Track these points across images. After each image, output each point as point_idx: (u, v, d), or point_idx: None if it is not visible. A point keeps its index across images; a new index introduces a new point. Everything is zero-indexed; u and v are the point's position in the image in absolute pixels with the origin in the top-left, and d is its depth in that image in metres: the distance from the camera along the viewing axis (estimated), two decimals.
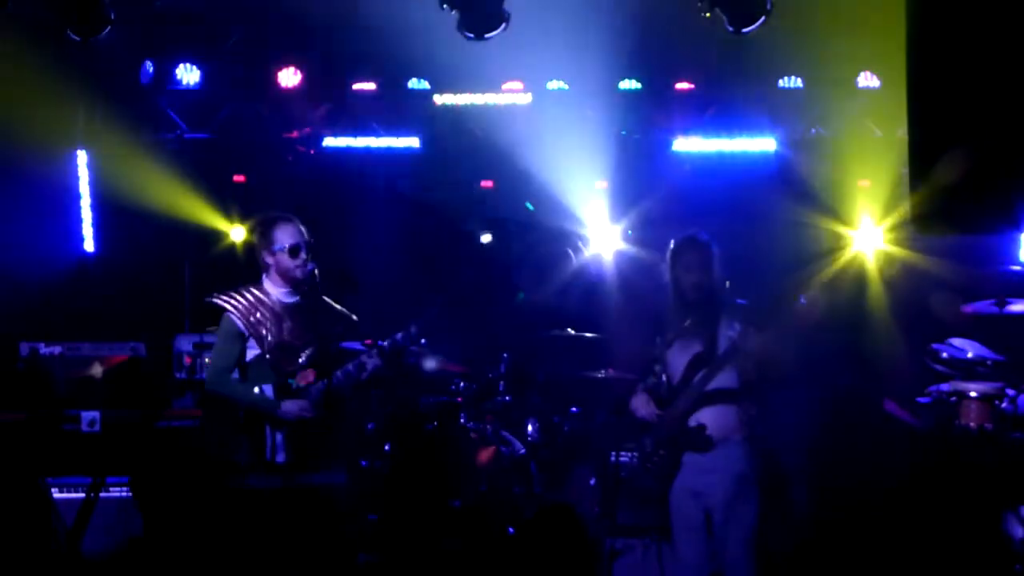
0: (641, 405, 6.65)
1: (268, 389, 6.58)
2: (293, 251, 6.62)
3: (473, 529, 8.33)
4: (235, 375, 6.66)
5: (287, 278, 6.67)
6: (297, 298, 6.70)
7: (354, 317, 6.84)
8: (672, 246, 6.67)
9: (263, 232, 6.72)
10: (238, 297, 6.66)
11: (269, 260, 6.68)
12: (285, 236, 6.66)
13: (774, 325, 6.36)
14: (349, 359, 6.72)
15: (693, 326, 6.53)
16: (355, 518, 8.06)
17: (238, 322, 6.61)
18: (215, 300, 6.69)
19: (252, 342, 6.63)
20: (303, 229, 6.71)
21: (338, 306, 6.80)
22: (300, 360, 6.60)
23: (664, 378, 6.65)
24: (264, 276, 6.73)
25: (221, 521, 6.51)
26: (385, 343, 6.72)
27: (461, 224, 11.58)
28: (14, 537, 3.86)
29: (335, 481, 6.69)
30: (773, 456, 7.90)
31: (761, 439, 6.57)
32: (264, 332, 6.59)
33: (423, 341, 6.87)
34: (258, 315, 6.61)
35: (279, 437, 6.54)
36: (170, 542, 4.25)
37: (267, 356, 6.59)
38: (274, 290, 6.68)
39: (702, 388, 6.44)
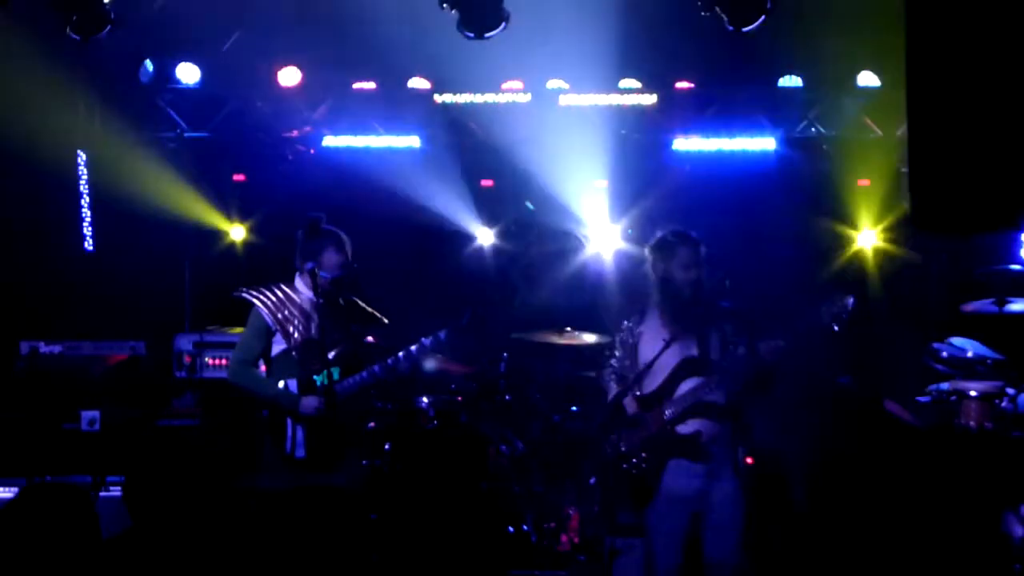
0: (629, 402, 6.46)
1: (292, 385, 6.65)
2: (335, 282, 6.69)
3: (474, 528, 8.33)
4: (261, 369, 6.72)
5: (314, 289, 6.71)
6: (323, 300, 6.74)
7: (385, 321, 6.92)
8: (662, 240, 6.50)
9: (315, 248, 6.72)
10: (267, 293, 6.75)
11: (309, 269, 6.71)
12: (333, 265, 6.71)
13: (784, 336, 6.25)
14: (376, 359, 6.78)
15: (683, 326, 6.38)
16: (364, 517, 8.09)
17: (266, 317, 6.70)
18: (244, 294, 6.78)
19: (278, 337, 6.70)
20: (349, 255, 6.74)
21: (370, 309, 6.88)
22: (328, 358, 6.64)
23: (628, 366, 6.42)
24: (297, 275, 6.77)
25: (232, 518, 6.54)
26: (413, 348, 6.76)
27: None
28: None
29: (351, 480, 6.76)
30: (773, 456, 7.90)
31: (752, 440, 6.51)
32: (291, 329, 6.67)
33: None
34: (286, 312, 6.69)
35: (299, 433, 6.61)
36: (165, 543, 4.28)
37: (293, 353, 6.65)
38: (305, 290, 6.73)
39: (697, 398, 6.31)
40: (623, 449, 6.36)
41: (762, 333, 6.28)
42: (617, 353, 6.52)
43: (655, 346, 6.37)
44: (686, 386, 6.31)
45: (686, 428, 6.31)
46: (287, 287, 6.78)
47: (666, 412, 6.31)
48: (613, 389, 6.50)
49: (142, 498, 4.40)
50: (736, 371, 6.25)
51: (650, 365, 6.37)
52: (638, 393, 6.41)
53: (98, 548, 4.04)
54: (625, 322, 6.55)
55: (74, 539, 3.99)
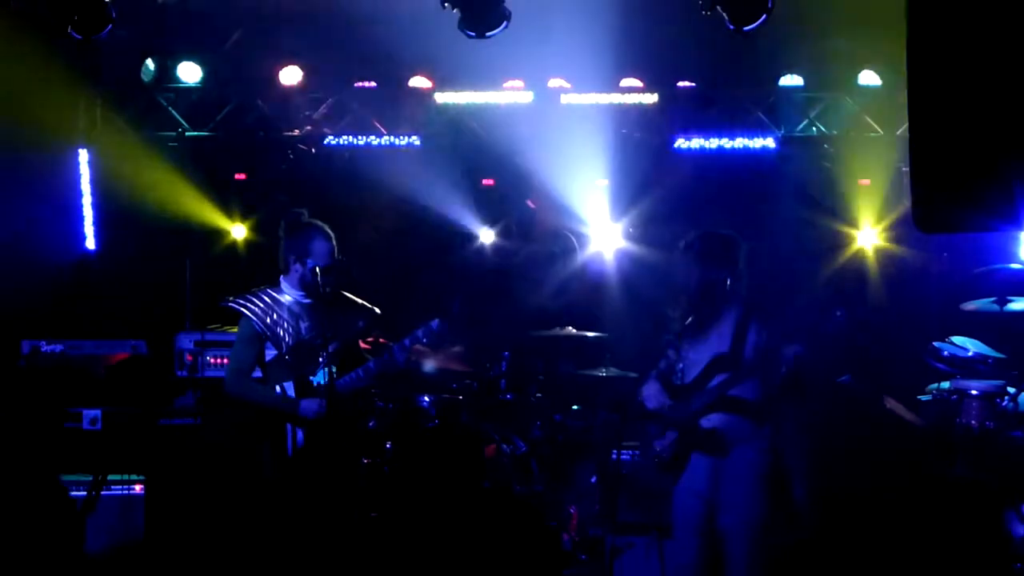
0: (652, 395, 6.54)
1: (289, 387, 6.62)
2: (325, 271, 6.64)
3: (474, 527, 8.33)
4: (256, 375, 6.71)
5: (305, 287, 6.68)
6: (312, 300, 6.71)
7: (376, 310, 6.88)
8: (697, 239, 6.55)
9: (300, 241, 6.69)
10: (254, 299, 6.68)
11: (296, 267, 6.68)
12: (322, 255, 6.66)
13: (808, 339, 6.27)
14: (370, 355, 6.76)
15: (714, 323, 6.45)
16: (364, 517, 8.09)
17: (255, 324, 6.64)
18: (231, 304, 6.72)
19: (270, 343, 6.66)
20: (335, 245, 6.73)
21: (359, 300, 6.84)
22: (321, 358, 6.61)
23: (680, 366, 6.57)
24: (283, 276, 6.74)
25: (237, 518, 6.53)
26: (407, 340, 6.74)
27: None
28: (36, 537, 3.88)
29: (352, 480, 6.75)
30: (773, 455, 7.89)
31: (771, 440, 6.53)
32: (281, 333, 6.63)
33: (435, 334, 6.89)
34: (275, 316, 6.65)
35: (300, 435, 6.59)
36: (176, 540, 4.28)
37: (286, 357, 6.61)
38: (292, 291, 6.70)
39: (723, 392, 6.35)
40: (654, 442, 6.45)
41: (786, 337, 6.32)
42: (669, 354, 6.56)
43: (692, 343, 6.45)
44: (715, 382, 6.37)
45: (709, 422, 6.36)
46: (272, 290, 6.72)
47: (692, 405, 6.37)
48: (651, 386, 6.58)
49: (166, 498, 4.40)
50: (764, 370, 6.29)
51: (684, 361, 6.46)
52: (676, 383, 6.48)
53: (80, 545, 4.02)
54: (672, 324, 6.59)
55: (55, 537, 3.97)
